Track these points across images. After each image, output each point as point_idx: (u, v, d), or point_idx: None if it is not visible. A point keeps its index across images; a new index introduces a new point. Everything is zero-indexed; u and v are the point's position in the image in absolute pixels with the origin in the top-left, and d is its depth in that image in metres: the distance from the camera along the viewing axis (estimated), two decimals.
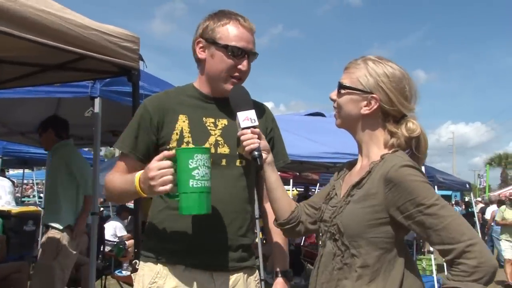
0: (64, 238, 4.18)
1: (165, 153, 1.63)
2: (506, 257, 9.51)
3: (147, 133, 1.87)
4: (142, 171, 1.68)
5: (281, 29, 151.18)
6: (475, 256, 1.33)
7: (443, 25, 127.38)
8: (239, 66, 1.84)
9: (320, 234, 1.67)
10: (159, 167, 1.58)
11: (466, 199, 20.02)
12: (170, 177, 1.58)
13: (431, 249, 7.67)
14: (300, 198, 13.10)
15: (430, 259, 7.70)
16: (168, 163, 1.60)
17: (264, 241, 8.06)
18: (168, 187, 1.58)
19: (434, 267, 7.62)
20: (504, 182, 48.10)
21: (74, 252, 4.30)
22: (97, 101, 3.62)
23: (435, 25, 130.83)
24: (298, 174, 12.15)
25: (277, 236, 2.00)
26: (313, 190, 15.12)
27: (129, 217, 10.19)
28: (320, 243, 1.67)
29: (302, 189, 15.21)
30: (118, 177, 1.84)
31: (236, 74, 1.85)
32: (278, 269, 1.98)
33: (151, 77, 4.19)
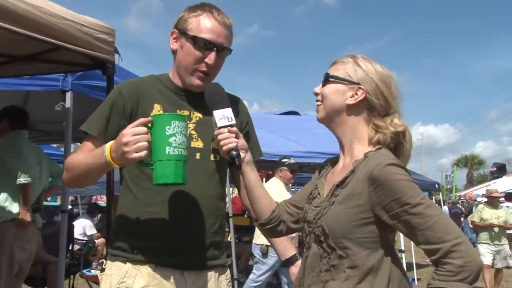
0: (6, 232, 4.00)
1: (141, 119, 1.55)
2: (485, 262, 7.92)
3: (119, 117, 1.78)
4: (112, 141, 1.58)
5: (257, 29, 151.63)
6: (461, 255, 1.32)
7: (415, 29, 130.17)
8: (206, 59, 1.77)
9: (304, 235, 1.64)
10: (133, 133, 1.50)
11: (433, 198, 20.48)
12: (145, 143, 1.50)
13: (402, 247, 7.79)
14: None
15: (401, 258, 7.80)
16: (143, 129, 1.52)
17: (237, 240, 8.03)
18: (142, 153, 1.49)
19: (404, 266, 7.71)
20: (470, 183, 49.48)
21: (27, 245, 4.13)
22: (68, 95, 3.51)
23: (408, 29, 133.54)
24: (271, 173, 12.15)
25: None
26: None
27: (99, 215, 10.01)
28: (305, 244, 1.63)
29: None
30: (82, 154, 1.73)
31: (203, 68, 1.79)
32: (293, 253, 2.02)
33: (125, 72, 4.08)
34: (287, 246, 2.04)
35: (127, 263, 1.76)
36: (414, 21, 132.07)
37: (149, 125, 1.55)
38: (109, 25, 2.73)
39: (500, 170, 18.36)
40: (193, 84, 1.81)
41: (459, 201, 23.88)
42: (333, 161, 1.71)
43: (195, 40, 1.76)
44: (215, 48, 1.77)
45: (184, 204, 1.77)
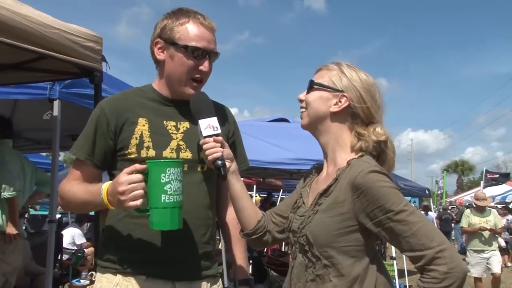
0: None
1: (136, 166, 1.55)
2: (474, 274, 7.63)
3: (104, 138, 1.77)
4: (108, 182, 1.59)
5: (247, 36, 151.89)
6: (445, 262, 1.32)
7: (404, 34, 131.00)
8: (200, 67, 1.77)
9: (290, 245, 1.63)
10: (129, 181, 1.50)
11: (425, 203, 20.53)
12: (141, 191, 1.50)
13: (394, 254, 7.80)
14: (263, 203, 13.09)
15: (393, 265, 7.81)
16: (139, 177, 1.52)
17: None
18: (139, 202, 1.50)
19: (396, 273, 7.73)
20: (460, 188, 49.74)
21: (10, 257, 4.05)
22: (56, 104, 3.49)
23: (396, 34, 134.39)
24: (261, 180, 12.14)
25: (237, 243, 1.96)
26: (276, 196, 15.15)
27: (88, 224, 9.91)
28: (290, 254, 1.62)
29: (265, 195, 15.25)
30: (79, 187, 1.74)
31: (197, 75, 1.78)
32: (239, 278, 1.94)
33: (113, 79, 4.06)
34: (240, 268, 1.98)
35: (118, 274, 1.75)
36: (402, 27, 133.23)
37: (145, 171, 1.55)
38: (97, 33, 2.72)
39: (503, 177, 18.39)
40: (187, 93, 1.79)
41: (449, 207, 24.01)
42: (318, 168, 1.71)
43: (187, 49, 1.74)
44: (207, 55, 1.77)
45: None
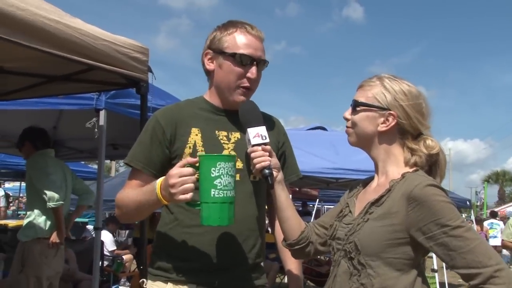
0: (32, 250, 4.06)
1: (188, 159, 1.56)
2: None
3: (160, 147, 1.80)
4: (162, 178, 1.60)
5: (285, 45, 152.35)
6: (504, 281, 1.29)
7: (441, 41, 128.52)
8: (248, 74, 1.78)
9: (332, 252, 1.61)
10: (180, 174, 1.50)
11: (464, 215, 19.91)
12: (191, 185, 1.50)
13: (435, 267, 7.59)
14: (300, 214, 13.02)
15: (434, 277, 7.61)
16: (189, 170, 1.52)
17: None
18: (188, 195, 1.49)
19: (437, 286, 7.53)
20: (502, 200, 48.16)
21: (52, 262, 4.17)
22: (102, 114, 3.58)
23: (434, 41, 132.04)
24: (297, 189, 12.07)
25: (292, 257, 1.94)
26: (311, 205, 15.07)
27: (126, 231, 10.02)
28: (332, 262, 1.60)
29: (300, 204, 15.16)
30: (133, 192, 1.76)
31: (246, 84, 1.80)
32: None
33: (157, 90, 4.14)
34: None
35: (169, 283, 1.77)
36: (440, 34, 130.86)
37: (196, 164, 1.55)
38: (143, 45, 2.78)
39: None
40: (237, 101, 1.81)
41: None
42: (365, 182, 1.70)
43: (234, 57, 1.77)
44: (255, 62, 1.79)
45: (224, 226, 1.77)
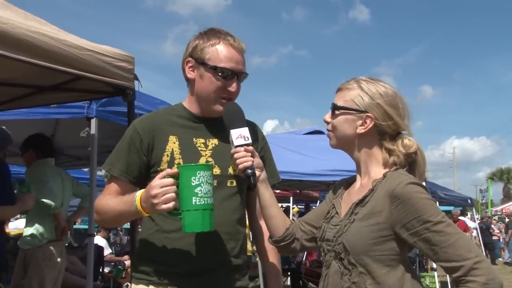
0: (34, 256, 4.11)
1: (168, 170, 1.61)
2: None
3: (138, 155, 1.83)
4: (142, 190, 1.65)
5: (291, 49, 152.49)
6: (483, 273, 1.34)
7: (446, 39, 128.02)
8: (229, 88, 1.81)
9: (323, 254, 1.65)
10: (161, 185, 1.56)
11: (468, 214, 19.83)
12: (172, 194, 1.56)
13: (434, 266, 7.59)
14: (302, 215, 13.04)
15: (434, 276, 7.61)
16: (170, 180, 1.57)
17: None
18: (171, 204, 1.55)
19: (437, 285, 7.53)
20: (507, 197, 47.89)
21: (56, 263, 4.22)
22: (93, 122, 3.62)
23: (438, 40, 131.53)
24: (298, 191, 12.12)
25: (271, 255, 1.98)
26: (313, 206, 15.07)
27: (119, 234, 10.02)
28: (324, 263, 1.64)
29: (303, 206, 15.22)
30: (114, 200, 1.80)
31: (226, 95, 1.83)
32: None
33: (146, 97, 4.18)
34: (274, 282, 2.00)
35: (150, 285, 1.81)
36: (444, 33, 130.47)
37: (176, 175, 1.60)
38: (128, 53, 2.82)
39: None
40: (215, 111, 1.84)
41: (495, 216, 23.04)
42: (348, 181, 1.74)
43: (216, 70, 1.79)
44: (235, 76, 1.82)
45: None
